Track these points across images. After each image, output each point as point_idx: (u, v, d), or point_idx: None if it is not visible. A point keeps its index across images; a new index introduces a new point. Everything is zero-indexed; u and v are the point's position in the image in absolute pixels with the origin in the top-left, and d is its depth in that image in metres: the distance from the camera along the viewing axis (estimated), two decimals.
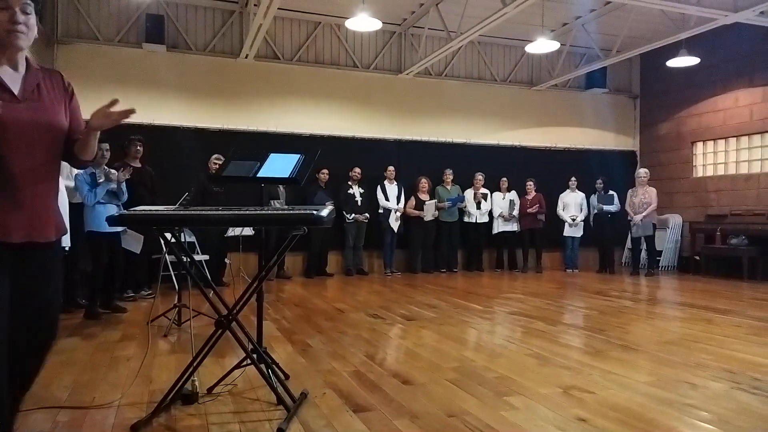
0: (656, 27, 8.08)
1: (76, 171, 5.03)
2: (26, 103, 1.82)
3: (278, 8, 6.68)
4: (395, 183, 8.74)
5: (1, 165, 1.74)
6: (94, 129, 1.93)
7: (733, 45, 8.71)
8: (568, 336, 4.29)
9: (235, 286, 6.92)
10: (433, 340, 4.11)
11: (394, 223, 8.64)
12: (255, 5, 7.01)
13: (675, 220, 9.72)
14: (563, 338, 4.18)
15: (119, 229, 4.82)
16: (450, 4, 7.91)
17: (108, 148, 5.10)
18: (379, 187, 8.67)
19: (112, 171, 4.94)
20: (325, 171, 8.17)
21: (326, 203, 7.81)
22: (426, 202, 8.80)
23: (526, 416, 2.50)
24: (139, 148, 6.08)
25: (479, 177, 9.18)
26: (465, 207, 9.13)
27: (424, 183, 8.89)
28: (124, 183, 5.09)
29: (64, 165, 2.15)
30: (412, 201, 8.82)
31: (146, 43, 7.81)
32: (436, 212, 8.87)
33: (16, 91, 1.81)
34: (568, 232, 9.35)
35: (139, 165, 6.12)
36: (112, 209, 4.80)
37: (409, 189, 8.86)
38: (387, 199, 8.64)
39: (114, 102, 1.91)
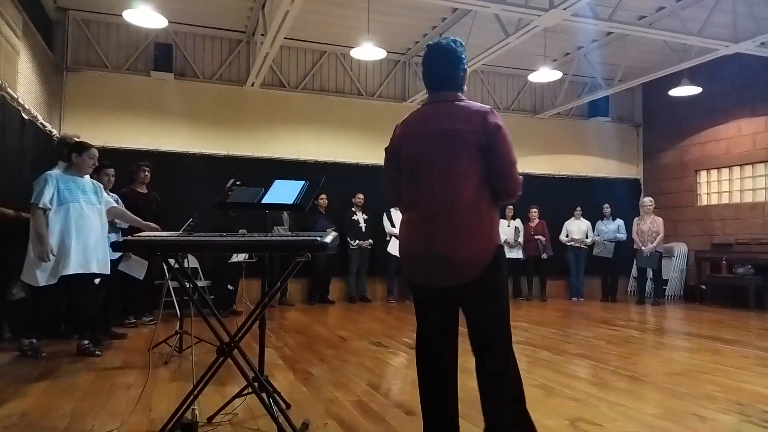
0: (658, 57, 8.17)
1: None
2: None
3: (284, 38, 6.79)
4: None
5: None
6: None
7: (735, 75, 8.79)
8: (575, 366, 4.22)
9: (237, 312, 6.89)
10: None
11: (397, 251, 8.58)
12: (262, 35, 7.14)
13: (680, 248, 9.67)
14: (569, 368, 4.12)
15: (115, 256, 4.82)
16: (453, 34, 7.93)
17: (113, 173, 5.14)
18: (385, 213, 8.67)
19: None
20: (324, 197, 8.19)
21: (328, 229, 7.86)
22: None
23: None
24: (146, 173, 6.15)
25: None
26: None
27: None
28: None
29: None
30: None
31: (154, 71, 7.93)
32: None
33: None
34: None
35: (145, 191, 6.17)
36: (113, 237, 4.81)
37: None
38: (393, 225, 8.64)
39: None
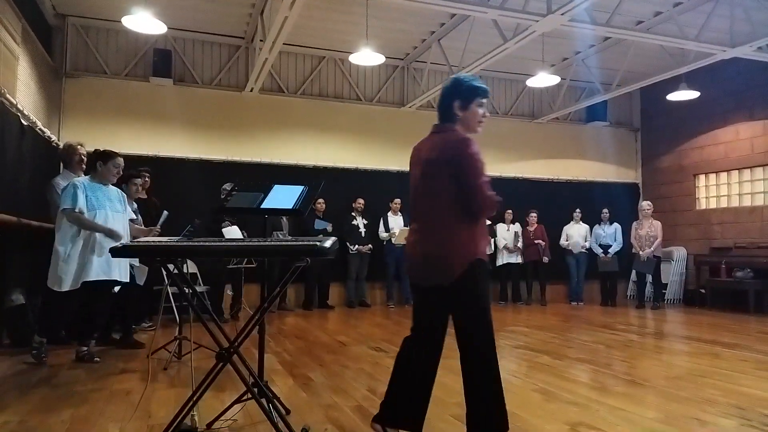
0: (656, 62, 8.20)
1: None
2: None
3: (283, 43, 6.81)
4: (400, 215, 8.74)
5: None
6: None
7: (733, 79, 8.82)
8: (575, 370, 4.22)
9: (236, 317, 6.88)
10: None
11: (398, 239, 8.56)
12: (261, 40, 7.16)
13: (679, 252, 9.68)
14: (569, 373, 4.11)
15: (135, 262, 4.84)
16: (451, 40, 8.06)
17: (141, 183, 5.43)
18: (381, 218, 8.68)
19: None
20: (321, 201, 8.21)
21: (326, 227, 7.86)
22: None
23: None
24: (146, 179, 6.16)
25: None
26: None
27: None
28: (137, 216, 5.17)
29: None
30: None
31: (153, 77, 7.95)
32: None
33: None
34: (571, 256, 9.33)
35: (145, 196, 6.17)
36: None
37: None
38: (387, 230, 8.64)
39: None
